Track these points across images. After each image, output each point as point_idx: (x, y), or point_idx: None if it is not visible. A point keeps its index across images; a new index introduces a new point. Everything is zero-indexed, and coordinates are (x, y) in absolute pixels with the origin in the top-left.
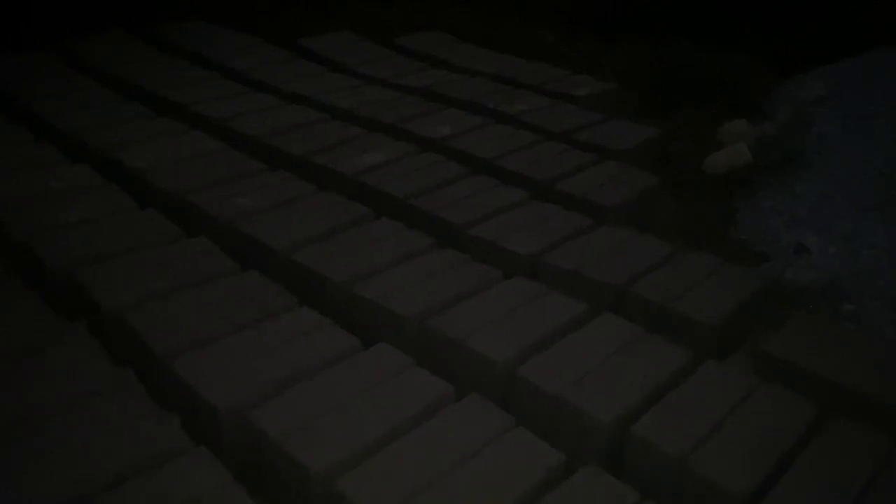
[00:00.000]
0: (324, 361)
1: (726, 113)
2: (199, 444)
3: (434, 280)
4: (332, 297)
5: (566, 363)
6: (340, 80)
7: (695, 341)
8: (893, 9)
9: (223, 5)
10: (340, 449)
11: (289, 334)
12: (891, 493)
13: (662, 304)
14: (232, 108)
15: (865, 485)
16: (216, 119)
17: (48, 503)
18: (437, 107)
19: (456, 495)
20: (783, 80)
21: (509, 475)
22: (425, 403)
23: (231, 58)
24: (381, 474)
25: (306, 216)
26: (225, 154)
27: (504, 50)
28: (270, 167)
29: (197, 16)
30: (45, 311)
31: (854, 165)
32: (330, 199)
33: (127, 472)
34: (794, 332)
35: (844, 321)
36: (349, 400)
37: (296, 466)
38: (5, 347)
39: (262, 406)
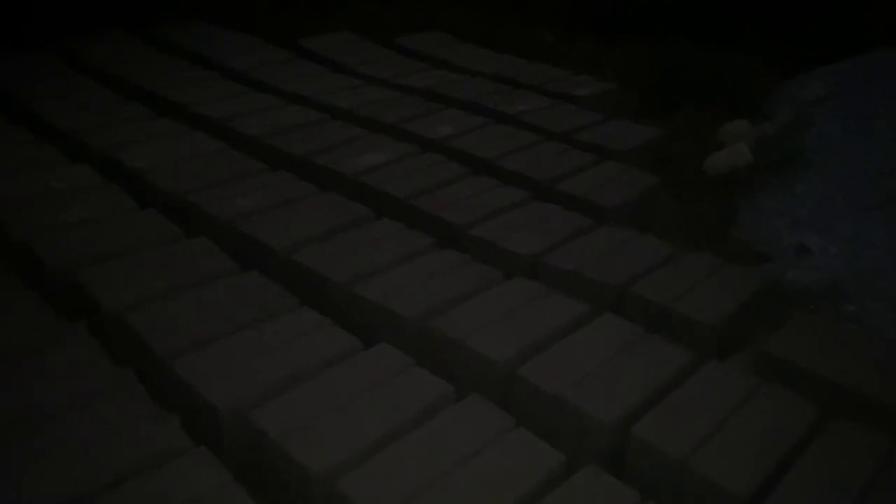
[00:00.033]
0: (324, 361)
1: (726, 113)
2: (199, 444)
3: (434, 280)
4: (333, 297)
5: (566, 363)
6: (340, 80)
7: (695, 341)
8: (893, 9)
9: (223, 5)
10: (340, 449)
11: (289, 334)
12: (891, 494)
13: (663, 305)
14: (232, 109)
15: (866, 485)
16: (216, 119)
17: (48, 503)
18: (437, 107)
19: (456, 496)
20: (783, 80)
21: (510, 475)
22: (426, 404)
23: (231, 58)
24: (381, 474)
25: (307, 216)
26: (225, 154)
27: (504, 50)
28: (271, 167)
29: (197, 16)
30: (45, 311)
31: (854, 165)
32: (330, 200)
33: (127, 472)
34: (795, 332)
35: (846, 322)
36: (349, 400)
37: (296, 466)
38: (5, 347)
39: (263, 406)
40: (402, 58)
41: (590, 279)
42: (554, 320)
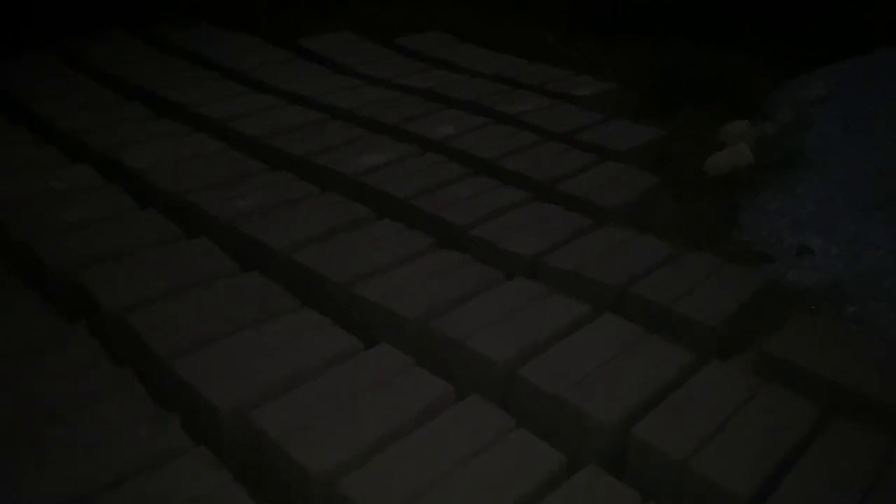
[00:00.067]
0: (324, 362)
1: (727, 113)
2: (200, 445)
3: (435, 280)
4: (333, 297)
5: (567, 364)
6: (341, 80)
7: (695, 342)
8: (893, 9)
9: (223, 5)
10: (341, 449)
11: (289, 334)
12: (892, 494)
13: (663, 305)
14: (232, 109)
15: (867, 485)
16: (216, 119)
17: (48, 503)
18: (437, 107)
19: (456, 496)
20: (783, 80)
21: (510, 476)
22: (426, 404)
23: (231, 58)
24: (381, 475)
25: (307, 217)
26: (225, 154)
27: (504, 50)
28: (271, 167)
29: (197, 16)
30: (45, 312)
31: (855, 165)
32: (331, 200)
33: (127, 472)
34: (795, 332)
35: (847, 323)
36: (350, 400)
37: (296, 467)
38: (5, 347)
39: (263, 406)
40: (402, 58)
41: (590, 279)
42: (554, 320)
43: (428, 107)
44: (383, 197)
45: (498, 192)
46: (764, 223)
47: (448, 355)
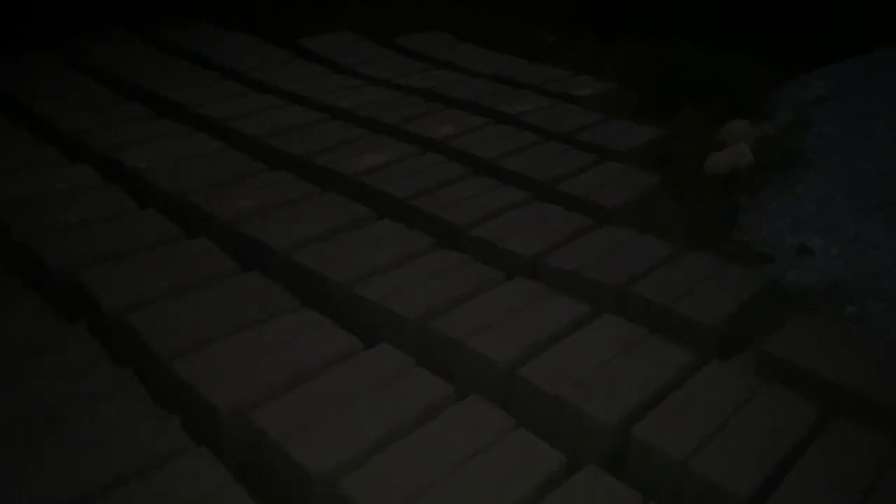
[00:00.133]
0: (324, 362)
1: (727, 113)
2: (200, 445)
3: (435, 280)
4: (333, 297)
5: (567, 364)
6: (341, 80)
7: (695, 342)
8: (893, 9)
9: (223, 5)
10: (341, 449)
11: (289, 335)
12: (892, 494)
13: (663, 305)
14: (232, 109)
15: (867, 485)
16: (216, 119)
17: (48, 503)
18: (437, 107)
19: (457, 496)
20: (783, 80)
21: (510, 476)
22: (426, 404)
23: (231, 58)
24: (381, 475)
25: (307, 217)
26: (225, 154)
27: (504, 50)
28: (271, 167)
29: (197, 16)
30: (45, 311)
31: (855, 165)
32: (331, 200)
33: (127, 473)
34: (795, 332)
35: (848, 323)
36: (350, 400)
37: (296, 467)
38: (5, 347)
39: (263, 406)
40: (402, 58)
41: (590, 279)
42: (554, 321)
43: (428, 107)
44: (383, 197)
45: (498, 192)
46: (764, 223)
47: (448, 355)
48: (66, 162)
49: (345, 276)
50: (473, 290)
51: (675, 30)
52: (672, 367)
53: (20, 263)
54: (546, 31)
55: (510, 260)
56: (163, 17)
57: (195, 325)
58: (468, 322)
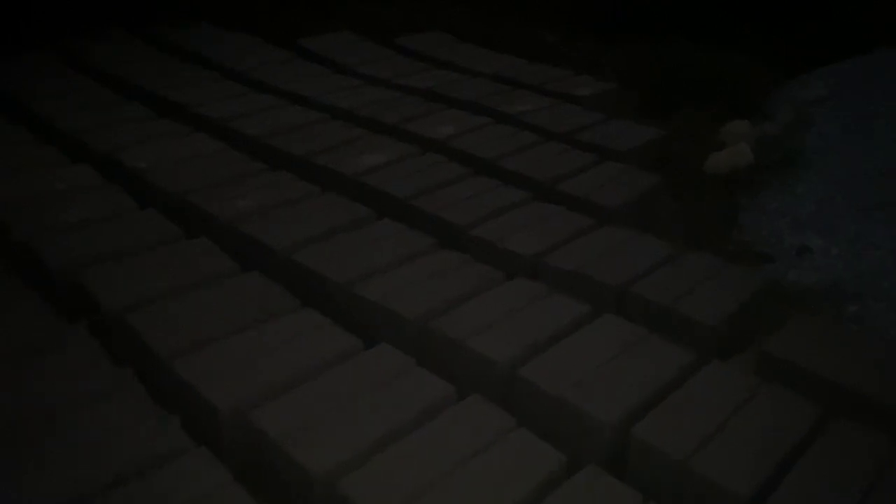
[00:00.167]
0: (325, 362)
1: (727, 113)
2: (200, 445)
3: (435, 280)
4: (333, 297)
5: (567, 364)
6: (341, 80)
7: (695, 342)
8: (893, 9)
9: (223, 5)
10: (341, 449)
11: (289, 335)
12: (892, 494)
13: (663, 305)
14: (232, 109)
15: (867, 485)
16: (216, 119)
17: (48, 503)
18: (437, 107)
19: (457, 496)
20: (783, 80)
21: (511, 476)
22: (426, 404)
23: (231, 58)
24: (382, 475)
25: (307, 217)
26: (225, 154)
27: (504, 50)
28: (271, 167)
29: (197, 16)
30: (45, 312)
31: (855, 165)
32: (331, 200)
33: (127, 473)
34: (795, 332)
35: (848, 323)
36: (350, 400)
37: (296, 467)
38: (5, 347)
39: (263, 406)
40: (402, 58)
41: (590, 279)
42: (554, 320)
43: (428, 107)
44: (383, 197)
45: (498, 192)
46: (764, 223)
47: (448, 355)
48: (66, 162)
49: (345, 276)
50: (474, 290)
51: (675, 30)
52: (672, 367)
53: (20, 263)
54: (546, 31)
55: (510, 260)
56: (163, 17)
57: (195, 325)
58: (468, 322)
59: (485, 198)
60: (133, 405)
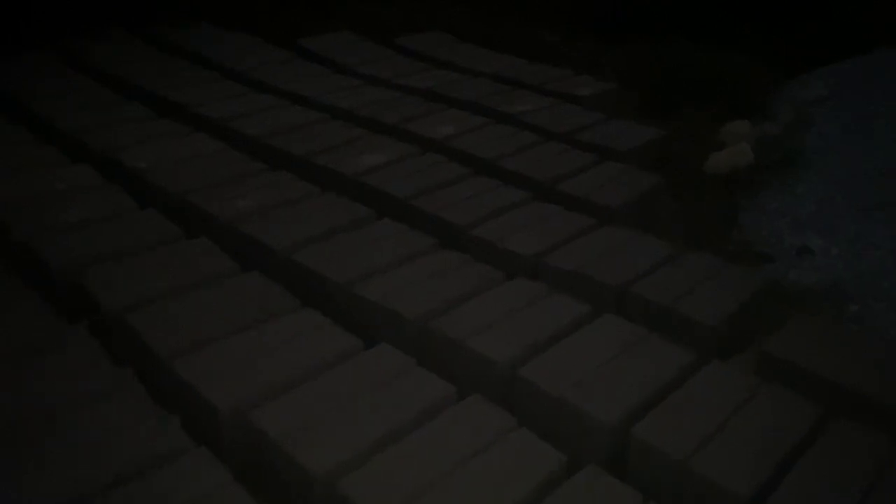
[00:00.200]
0: (325, 362)
1: (727, 113)
2: (200, 445)
3: (435, 280)
4: (333, 297)
5: (567, 364)
6: (341, 80)
7: (695, 342)
8: (893, 9)
9: (223, 5)
10: (341, 449)
11: (289, 335)
12: (892, 494)
13: (663, 305)
14: (232, 109)
15: (867, 485)
16: (216, 119)
17: (48, 503)
18: (437, 107)
19: (457, 496)
20: (784, 80)
21: (511, 476)
22: (427, 404)
23: (231, 58)
24: (382, 475)
25: (307, 217)
26: (225, 154)
27: (504, 50)
28: (271, 167)
29: (197, 16)
30: (45, 312)
31: (855, 165)
32: (331, 200)
33: (127, 473)
34: (795, 332)
35: (848, 323)
36: (350, 400)
37: (296, 467)
38: (5, 347)
39: (263, 406)
40: (402, 58)
41: (590, 279)
42: (555, 321)
43: (428, 107)
44: (383, 197)
45: (498, 192)
46: (764, 223)
47: (448, 355)
48: (66, 162)
49: (345, 276)
50: (474, 290)
51: (675, 30)
52: (672, 367)
53: (20, 263)
54: (546, 31)
55: (510, 260)
56: (163, 17)
57: (195, 325)
58: (468, 322)
59: (485, 198)
60: (133, 405)
